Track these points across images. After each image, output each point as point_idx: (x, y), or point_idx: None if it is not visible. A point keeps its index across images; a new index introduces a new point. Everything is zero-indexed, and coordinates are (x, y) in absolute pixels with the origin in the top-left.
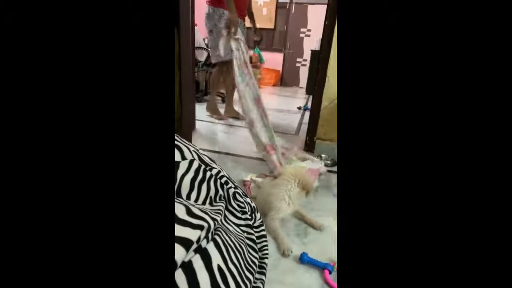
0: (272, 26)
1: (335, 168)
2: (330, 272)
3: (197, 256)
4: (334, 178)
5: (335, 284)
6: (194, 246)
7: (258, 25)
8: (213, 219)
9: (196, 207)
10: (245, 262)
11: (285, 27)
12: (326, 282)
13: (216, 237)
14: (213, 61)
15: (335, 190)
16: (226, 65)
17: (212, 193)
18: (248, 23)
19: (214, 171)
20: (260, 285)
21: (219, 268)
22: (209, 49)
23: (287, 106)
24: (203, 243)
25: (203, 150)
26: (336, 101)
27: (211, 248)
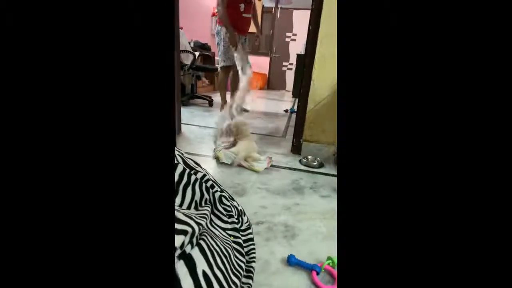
0: None
1: (322, 170)
2: (317, 273)
3: (181, 262)
4: (320, 180)
5: (322, 284)
6: (178, 252)
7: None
8: (198, 224)
9: (180, 212)
10: (232, 267)
11: (271, 31)
12: (313, 283)
13: (201, 241)
14: (219, 66)
15: (322, 192)
16: (229, 69)
17: (197, 197)
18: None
19: (199, 175)
20: None
21: (204, 273)
22: (195, 53)
23: (274, 109)
24: (187, 248)
25: (188, 154)
26: (322, 103)
27: (195, 253)
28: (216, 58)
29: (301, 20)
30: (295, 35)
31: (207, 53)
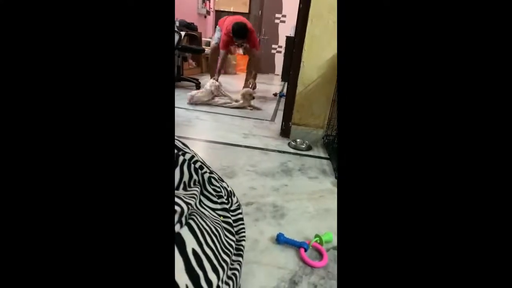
0: (246, 10)
1: (310, 152)
2: (305, 250)
3: None
4: (308, 162)
5: (310, 260)
6: None
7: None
8: (187, 203)
9: None
10: (222, 245)
11: (260, 12)
12: (301, 259)
13: (191, 221)
14: (212, 44)
15: (309, 173)
16: (217, 49)
17: (186, 178)
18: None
19: (187, 156)
20: (238, 266)
21: (194, 252)
22: (180, 32)
23: (263, 93)
24: (177, 227)
25: (176, 136)
26: (311, 86)
27: (185, 232)
28: (203, 39)
29: (291, 0)
30: (284, 16)
31: (193, 33)
